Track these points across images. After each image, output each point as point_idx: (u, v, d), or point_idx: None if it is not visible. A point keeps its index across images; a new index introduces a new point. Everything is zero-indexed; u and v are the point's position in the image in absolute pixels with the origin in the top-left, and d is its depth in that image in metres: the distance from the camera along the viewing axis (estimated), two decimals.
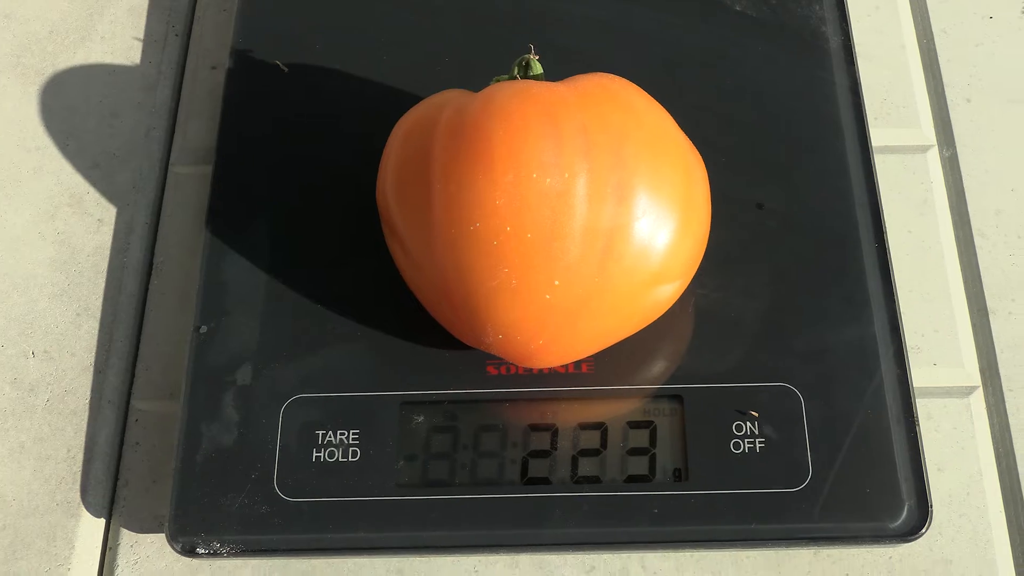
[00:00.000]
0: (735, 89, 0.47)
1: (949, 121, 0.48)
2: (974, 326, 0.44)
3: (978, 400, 0.43)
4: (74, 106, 0.51)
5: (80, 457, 0.44)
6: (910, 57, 0.50)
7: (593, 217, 0.37)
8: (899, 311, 0.42)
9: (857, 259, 0.43)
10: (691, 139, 0.41)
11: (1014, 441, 0.42)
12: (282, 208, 0.45)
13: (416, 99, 0.42)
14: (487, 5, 0.50)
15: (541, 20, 0.49)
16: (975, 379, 0.44)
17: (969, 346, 0.44)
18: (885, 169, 0.47)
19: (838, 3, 0.48)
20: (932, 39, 0.50)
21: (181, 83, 0.52)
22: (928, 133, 0.48)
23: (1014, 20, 0.51)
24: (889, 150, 0.48)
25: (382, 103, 0.47)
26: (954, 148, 0.48)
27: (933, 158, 0.48)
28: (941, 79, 0.49)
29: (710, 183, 0.41)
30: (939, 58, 0.50)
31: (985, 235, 0.46)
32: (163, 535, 0.42)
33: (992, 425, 0.43)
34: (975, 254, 0.46)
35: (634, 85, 0.40)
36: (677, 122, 0.40)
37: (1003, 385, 0.43)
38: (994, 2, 0.51)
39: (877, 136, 0.48)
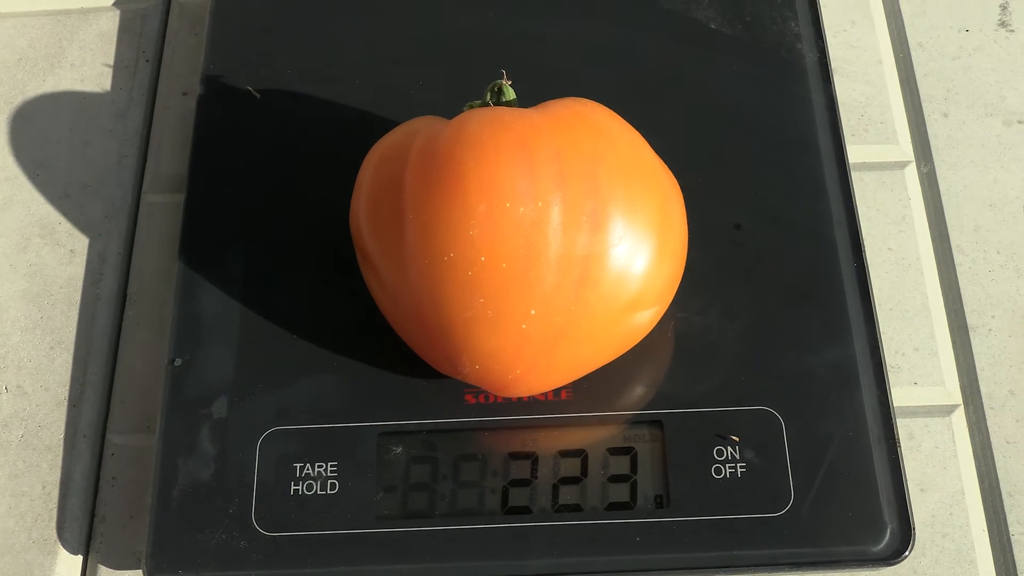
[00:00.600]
0: (711, 108, 0.47)
1: (927, 136, 0.48)
2: (954, 344, 0.44)
3: (959, 419, 0.43)
4: (44, 134, 0.50)
5: (56, 493, 0.43)
6: (887, 72, 0.50)
7: (568, 245, 0.36)
8: (879, 331, 0.41)
9: (836, 279, 0.43)
10: (666, 160, 0.40)
11: (996, 459, 0.42)
12: (256, 237, 0.45)
13: (390, 125, 0.42)
14: (461, 29, 0.49)
15: (514, 43, 0.49)
16: (956, 397, 0.43)
17: (950, 364, 0.44)
18: (863, 186, 0.47)
19: (813, 19, 0.48)
20: (908, 53, 0.50)
21: (153, 110, 0.51)
22: (906, 149, 0.48)
23: (990, 32, 0.50)
24: (867, 167, 0.47)
25: (357, 128, 0.47)
26: (932, 164, 0.47)
27: (911, 174, 0.47)
28: (918, 94, 0.49)
29: (687, 205, 0.41)
30: (916, 72, 0.50)
31: (964, 252, 0.46)
32: (141, 572, 0.41)
33: (974, 444, 0.43)
34: (955, 271, 0.45)
35: (607, 109, 0.40)
36: (652, 143, 0.40)
37: (984, 403, 0.43)
38: (970, 15, 0.51)
39: (855, 153, 0.47)
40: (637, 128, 0.40)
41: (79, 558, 0.43)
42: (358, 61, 0.48)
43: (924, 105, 0.49)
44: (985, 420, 0.43)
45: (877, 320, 0.42)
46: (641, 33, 0.48)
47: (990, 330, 0.44)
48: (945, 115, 0.48)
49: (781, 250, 0.43)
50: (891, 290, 0.45)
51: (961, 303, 0.45)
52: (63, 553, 0.42)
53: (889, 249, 0.46)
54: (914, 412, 0.43)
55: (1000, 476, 0.42)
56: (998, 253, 0.46)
